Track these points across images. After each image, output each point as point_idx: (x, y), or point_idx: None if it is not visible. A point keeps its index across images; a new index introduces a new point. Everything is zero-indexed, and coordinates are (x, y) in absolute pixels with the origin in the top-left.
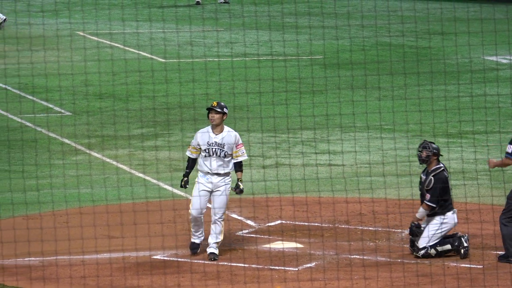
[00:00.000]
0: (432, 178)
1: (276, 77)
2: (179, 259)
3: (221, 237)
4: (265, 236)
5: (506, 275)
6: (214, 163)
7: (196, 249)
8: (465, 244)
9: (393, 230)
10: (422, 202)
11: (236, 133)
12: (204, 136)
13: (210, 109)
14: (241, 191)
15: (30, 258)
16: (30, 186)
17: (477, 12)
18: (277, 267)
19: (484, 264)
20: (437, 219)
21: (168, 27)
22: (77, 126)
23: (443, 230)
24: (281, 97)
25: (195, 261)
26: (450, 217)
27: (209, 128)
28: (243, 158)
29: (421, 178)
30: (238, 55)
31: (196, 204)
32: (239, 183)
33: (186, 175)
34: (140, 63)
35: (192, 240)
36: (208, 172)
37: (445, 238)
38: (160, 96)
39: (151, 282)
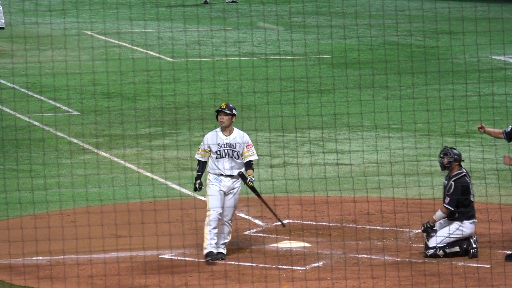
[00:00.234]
0: (453, 183)
1: (283, 76)
2: (186, 258)
3: (229, 238)
4: (273, 236)
5: None
6: (226, 164)
7: (215, 257)
8: (474, 246)
9: (401, 229)
10: None
11: (245, 134)
12: (214, 138)
13: (219, 111)
14: (252, 183)
15: (38, 257)
16: (38, 185)
17: (485, 11)
18: (284, 267)
19: (491, 264)
20: (455, 225)
21: (176, 26)
22: (84, 125)
23: (456, 236)
24: (288, 96)
25: (203, 260)
26: (468, 226)
27: (217, 130)
28: (253, 157)
29: (444, 183)
30: (246, 55)
31: (215, 203)
32: (249, 176)
33: (199, 177)
34: (148, 62)
35: (210, 249)
36: (222, 174)
37: (455, 241)
38: (167, 95)
39: (159, 282)
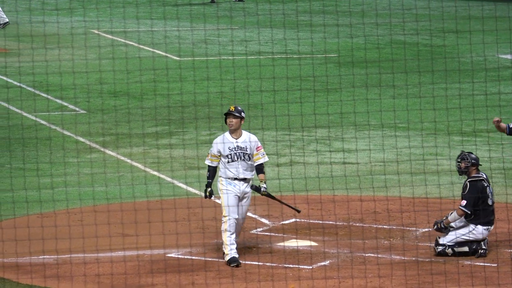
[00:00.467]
0: (468, 183)
1: (290, 75)
2: (193, 257)
3: (237, 239)
4: (280, 234)
5: None
6: (240, 168)
7: (238, 262)
8: (484, 247)
9: (408, 228)
10: None
11: (255, 136)
12: (224, 142)
13: (228, 114)
14: (266, 192)
15: (45, 256)
16: (45, 184)
17: (492, 10)
18: (291, 265)
19: (498, 263)
20: (468, 227)
21: (183, 25)
22: (91, 124)
23: (467, 238)
24: (295, 95)
25: (209, 259)
26: (480, 231)
27: (226, 134)
28: (264, 159)
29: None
30: (253, 53)
31: (232, 209)
32: (262, 184)
33: (209, 185)
34: (155, 61)
35: (232, 255)
36: (236, 178)
37: (465, 241)
38: (174, 94)
39: (165, 280)
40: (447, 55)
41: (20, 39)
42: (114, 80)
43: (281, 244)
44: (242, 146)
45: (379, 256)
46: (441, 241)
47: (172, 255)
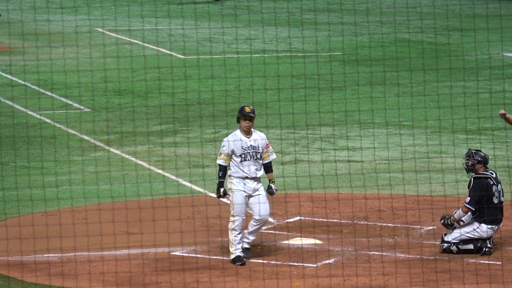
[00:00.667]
0: (472, 179)
1: (295, 73)
2: (197, 255)
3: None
4: (284, 233)
5: None
6: (252, 167)
7: (243, 261)
8: (489, 245)
9: (412, 226)
10: None
11: (262, 133)
12: (237, 142)
13: (246, 116)
14: (273, 193)
15: (49, 255)
16: (49, 183)
17: (496, 8)
18: (295, 263)
19: (503, 261)
20: (473, 225)
21: (187, 23)
22: (96, 123)
23: (471, 235)
24: (300, 93)
25: (214, 257)
26: (484, 230)
27: (237, 133)
28: (273, 157)
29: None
30: (257, 52)
31: (241, 209)
32: (271, 184)
33: (221, 185)
34: (159, 59)
35: (237, 254)
36: (247, 177)
37: (470, 239)
38: (179, 92)
39: (170, 279)
40: (452, 53)
41: (25, 37)
42: (119, 79)
43: (286, 242)
44: (255, 145)
45: (383, 254)
46: (446, 238)
47: (177, 253)
